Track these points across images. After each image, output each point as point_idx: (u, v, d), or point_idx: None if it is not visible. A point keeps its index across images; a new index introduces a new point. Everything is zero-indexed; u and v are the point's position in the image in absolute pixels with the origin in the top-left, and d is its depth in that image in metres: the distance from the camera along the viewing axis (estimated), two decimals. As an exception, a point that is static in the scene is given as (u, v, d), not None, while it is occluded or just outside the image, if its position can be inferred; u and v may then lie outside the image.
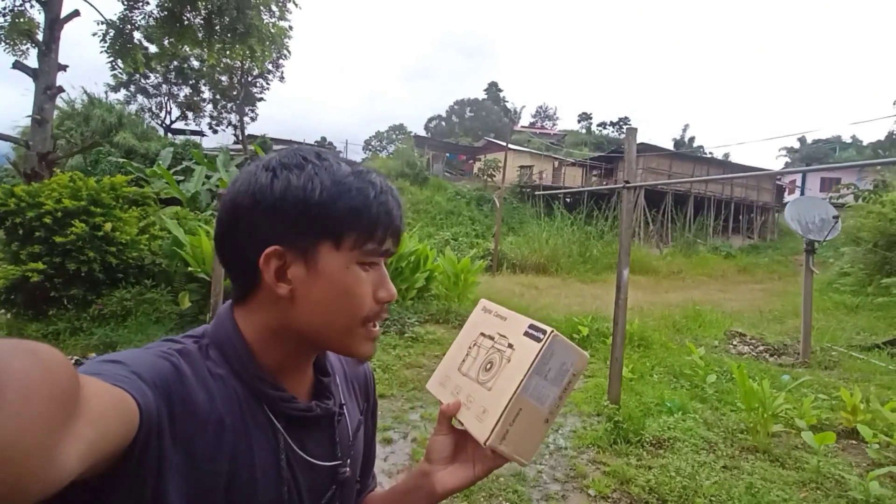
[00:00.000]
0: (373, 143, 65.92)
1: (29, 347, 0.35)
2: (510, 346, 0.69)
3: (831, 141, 51.87)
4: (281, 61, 26.30)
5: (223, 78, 26.96)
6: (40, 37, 8.86)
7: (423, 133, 56.71)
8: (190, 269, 6.73)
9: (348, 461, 0.72)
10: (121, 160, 16.61)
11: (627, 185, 4.21)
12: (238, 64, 18.33)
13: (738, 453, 3.93)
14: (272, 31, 11.65)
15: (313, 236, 0.60)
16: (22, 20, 9.81)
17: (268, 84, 28.71)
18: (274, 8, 11.82)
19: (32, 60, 8.95)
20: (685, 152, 41.43)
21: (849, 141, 52.81)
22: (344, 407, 0.74)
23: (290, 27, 13.52)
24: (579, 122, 65.25)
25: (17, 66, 8.76)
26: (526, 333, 0.68)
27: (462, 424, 0.70)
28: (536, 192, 26.53)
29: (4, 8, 9.51)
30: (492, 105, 63.89)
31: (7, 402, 0.31)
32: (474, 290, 9.74)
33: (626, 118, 63.53)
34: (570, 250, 20.20)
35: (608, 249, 20.99)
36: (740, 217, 30.42)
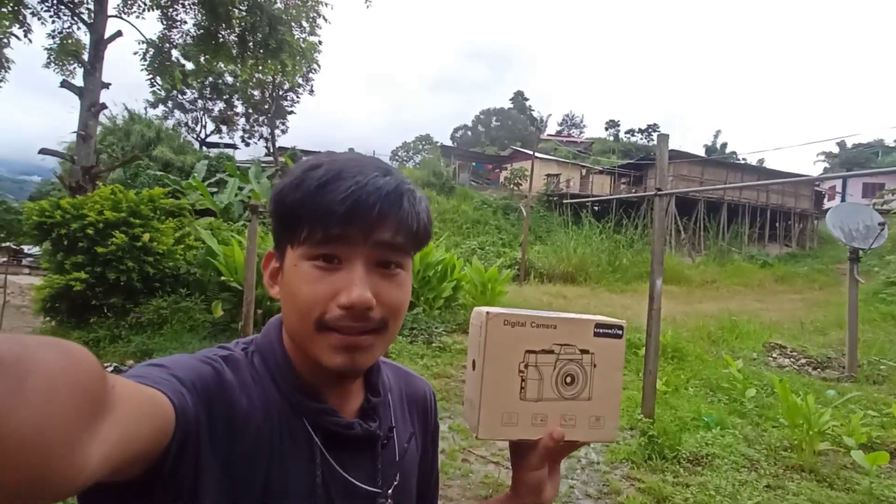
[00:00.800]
0: (399, 154, 66.57)
1: (58, 343, 0.34)
2: (584, 351, 0.65)
3: (873, 145, 49.89)
4: (311, 75, 26.88)
5: (255, 92, 27.73)
6: (85, 57, 9.28)
7: (449, 143, 57.03)
8: (223, 278, 6.88)
9: (390, 491, 0.66)
10: (158, 173, 17.20)
11: (660, 192, 4.11)
12: (270, 78, 18.84)
13: (782, 472, 3.76)
14: (302, 45, 11.93)
15: (280, 236, 0.60)
16: (70, 42, 10.31)
17: (298, 97, 29.47)
18: (304, 24, 12.12)
19: (78, 79, 9.38)
20: (717, 158, 40.45)
21: (892, 145, 50.69)
22: (394, 431, 0.69)
23: (320, 42, 13.82)
24: (606, 129, 64.51)
25: (65, 84, 9.19)
26: (597, 334, 0.66)
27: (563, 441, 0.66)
28: (564, 201, 26.28)
29: (54, 30, 10.01)
30: (518, 114, 63.85)
31: (31, 393, 0.29)
32: (502, 299, 9.67)
33: (654, 125, 62.49)
34: (599, 259, 19.90)
35: (638, 258, 20.59)
36: (777, 224, 29.44)
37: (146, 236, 6.69)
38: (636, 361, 7.00)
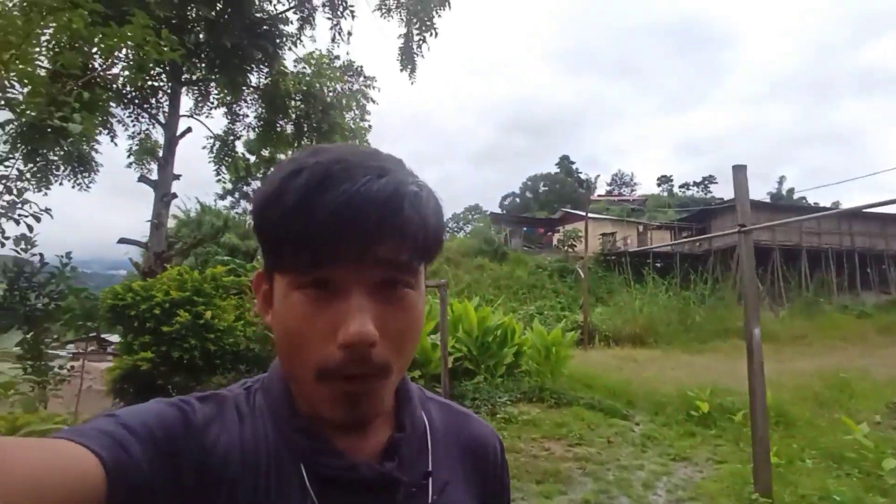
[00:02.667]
0: (450, 225, 67.87)
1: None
2: None
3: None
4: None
5: (312, 176, 29.44)
6: (160, 153, 10.13)
7: (498, 210, 57.61)
8: (281, 353, 6.80)
9: None
10: (226, 258, 18.16)
11: (743, 228, 3.68)
12: (325, 162, 19.86)
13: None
14: (353, 126, 12.58)
15: (266, 259, 0.52)
16: (148, 142, 11.37)
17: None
18: (354, 111, 12.84)
19: (153, 174, 10.20)
20: (787, 204, 38.45)
21: None
22: (430, 478, 0.57)
23: (370, 126, 14.55)
24: (659, 185, 63.48)
25: (142, 179, 10.00)
26: None
27: None
28: (623, 258, 25.38)
29: (136, 132, 11.09)
30: (565, 177, 64.15)
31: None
32: (567, 364, 9.03)
33: (710, 177, 60.95)
34: (669, 318, 18.76)
35: (712, 315, 19.25)
36: (868, 270, 26.90)
37: (208, 314, 6.79)
38: (732, 429, 6.19)
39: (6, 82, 3.64)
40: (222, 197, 32.78)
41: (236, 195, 35.39)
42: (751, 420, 3.66)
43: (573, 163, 68.60)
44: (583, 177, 65.40)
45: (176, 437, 0.47)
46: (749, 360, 3.65)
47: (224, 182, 13.11)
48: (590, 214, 26.76)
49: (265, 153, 12.74)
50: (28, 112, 4.08)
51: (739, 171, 3.75)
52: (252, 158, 14.06)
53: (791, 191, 54.58)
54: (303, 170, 0.48)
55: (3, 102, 3.67)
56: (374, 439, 0.56)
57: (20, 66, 3.83)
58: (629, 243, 29.92)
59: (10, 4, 4.62)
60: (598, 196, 55.27)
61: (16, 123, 4.71)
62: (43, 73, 5.10)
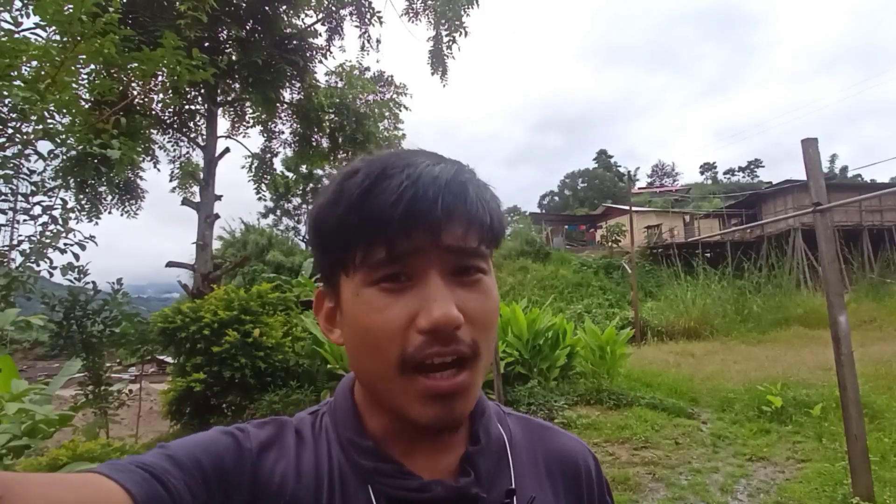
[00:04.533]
0: (489, 228, 67.36)
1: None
2: None
3: None
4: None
5: (349, 189, 29.98)
6: (200, 175, 10.40)
7: (537, 210, 56.85)
8: (330, 366, 6.78)
9: None
10: (271, 275, 18.60)
11: (819, 207, 3.33)
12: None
13: None
14: (387, 135, 12.60)
15: (329, 268, 0.52)
16: (189, 166, 11.73)
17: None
18: (387, 120, 12.87)
19: (195, 196, 10.48)
20: (843, 182, 36.27)
21: None
22: (514, 497, 0.53)
23: (403, 135, 14.58)
24: (702, 173, 61.20)
25: (185, 202, 10.29)
26: None
27: None
28: (670, 250, 24.46)
29: (176, 156, 11.46)
30: (604, 172, 62.70)
31: None
32: (624, 362, 8.64)
33: (756, 161, 58.31)
34: (724, 309, 17.90)
35: (770, 303, 18.29)
36: (941, 246, 24.93)
37: (256, 331, 6.84)
38: (810, 423, 5.72)
39: (45, 113, 3.71)
40: (265, 215, 33.85)
41: (278, 213, 36.52)
42: (843, 415, 3.29)
43: (611, 157, 67.05)
44: (622, 170, 63.86)
45: (225, 466, 0.47)
46: (836, 349, 3.30)
47: (265, 200, 13.52)
48: (634, 208, 25.99)
49: (303, 169, 12.95)
50: (68, 141, 4.17)
51: (810, 145, 3.38)
52: (291, 175, 14.34)
53: (845, 169, 51.54)
54: (358, 170, 0.48)
55: (42, 133, 3.74)
56: (446, 459, 0.53)
57: (58, 96, 3.91)
58: (676, 234, 28.85)
59: (45, 35, 4.76)
60: (640, 189, 53.79)
61: (63, 157, 4.81)
62: (82, 101, 5.24)
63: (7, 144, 3.87)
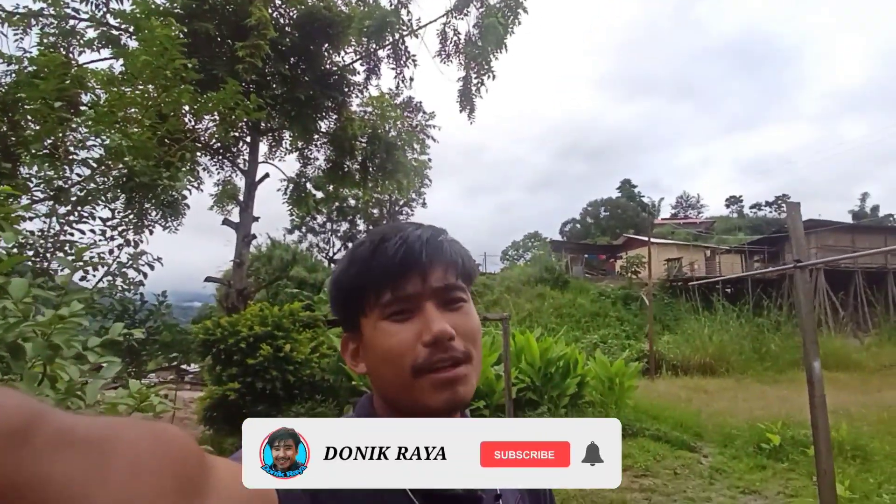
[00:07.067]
0: (510, 253, 67.60)
1: (148, 425, 0.33)
2: None
3: None
4: (423, 189, 29.30)
5: (375, 211, 30.67)
6: (240, 197, 11.15)
7: (558, 237, 56.97)
8: (353, 382, 7.26)
9: None
10: (294, 291, 19.25)
11: (799, 264, 3.75)
12: (387, 197, 20.84)
13: None
14: (414, 164, 13.25)
15: (350, 316, 0.66)
16: (229, 187, 12.53)
17: (412, 211, 31.97)
18: (416, 146, 13.56)
19: (234, 216, 11.22)
20: (869, 223, 35.63)
21: None
22: (500, 500, 0.66)
23: (430, 160, 15.23)
24: (728, 206, 60.60)
25: (226, 222, 11.02)
26: None
27: None
28: (690, 283, 24.40)
29: (219, 180, 12.27)
30: (627, 202, 62.56)
31: (114, 474, 0.28)
32: (632, 395, 8.93)
33: (784, 195, 57.54)
34: (741, 347, 17.78)
35: (789, 343, 18.07)
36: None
37: (287, 347, 7.40)
38: (805, 462, 5.97)
39: (110, 138, 4.33)
40: (290, 232, 34.76)
41: (303, 229, 37.47)
42: (815, 453, 3.65)
43: (635, 186, 66.87)
44: (646, 200, 63.68)
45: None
46: (810, 391, 3.67)
47: (296, 220, 14.12)
48: (654, 239, 26.06)
49: (330, 188, 13.57)
50: (136, 167, 4.80)
51: (793, 209, 3.84)
52: (318, 194, 15.05)
53: (876, 208, 50.54)
54: (362, 243, 0.65)
55: (107, 159, 4.35)
56: None
57: (133, 131, 4.55)
58: (696, 268, 28.69)
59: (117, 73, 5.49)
60: (663, 220, 53.48)
61: (115, 174, 5.11)
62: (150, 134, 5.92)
63: (98, 176, 4.55)
